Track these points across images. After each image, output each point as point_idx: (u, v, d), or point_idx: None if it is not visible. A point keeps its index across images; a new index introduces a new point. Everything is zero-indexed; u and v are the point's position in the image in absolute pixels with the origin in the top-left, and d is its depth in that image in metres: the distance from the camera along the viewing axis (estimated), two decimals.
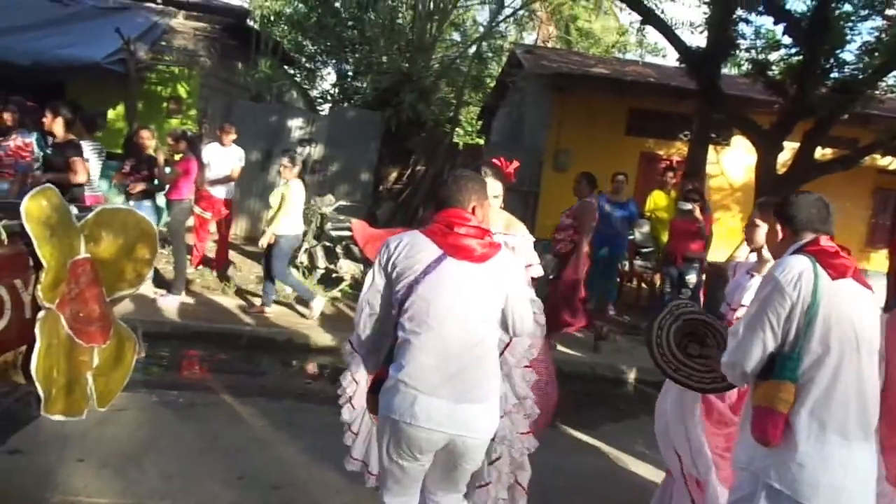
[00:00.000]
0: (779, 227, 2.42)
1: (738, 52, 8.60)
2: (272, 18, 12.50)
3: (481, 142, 19.12)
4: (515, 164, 3.17)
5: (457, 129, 16.62)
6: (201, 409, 4.53)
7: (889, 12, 7.96)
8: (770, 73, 8.66)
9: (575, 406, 5.60)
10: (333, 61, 12.72)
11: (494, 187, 2.93)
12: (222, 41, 9.84)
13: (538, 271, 3.09)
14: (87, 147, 5.73)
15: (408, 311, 2.26)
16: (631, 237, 8.72)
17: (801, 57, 7.68)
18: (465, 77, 11.37)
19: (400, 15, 11.65)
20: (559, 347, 6.78)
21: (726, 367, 2.30)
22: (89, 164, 5.70)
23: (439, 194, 2.45)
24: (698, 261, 7.14)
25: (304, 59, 13.19)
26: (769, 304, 2.19)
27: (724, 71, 11.13)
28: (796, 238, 2.34)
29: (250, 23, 11.82)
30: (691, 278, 7.03)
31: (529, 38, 19.78)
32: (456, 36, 13.62)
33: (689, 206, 6.92)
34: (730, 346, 2.28)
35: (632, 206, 8.13)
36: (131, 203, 6.43)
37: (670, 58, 9.61)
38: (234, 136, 7.87)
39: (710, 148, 11.20)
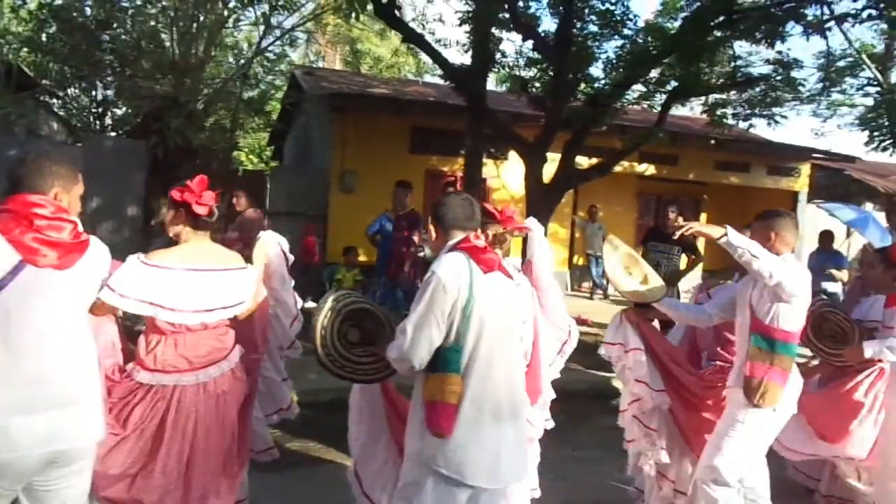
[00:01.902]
0: (432, 228, 2.55)
1: (500, 68, 8.96)
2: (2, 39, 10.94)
3: (274, 166, 18.55)
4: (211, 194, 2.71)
5: (236, 154, 15.89)
6: None
7: (626, 32, 8.75)
8: (534, 88, 9.17)
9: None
10: (85, 86, 11.42)
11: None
12: None
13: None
14: None
15: None
16: (422, 254, 8.72)
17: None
18: (237, 100, 10.76)
19: (164, 35, 10.77)
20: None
21: (395, 362, 2.38)
22: None
23: (14, 175, 2.07)
24: None
25: (52, 85, 11.72)
26: (433, 301, 2.28)
27: (499, 88, 11.74)
28: (447, 237, 2.47)
29: None
30: None
31: (322, 63, 19.63)
32: (231, 59, 12.93)
33: None
34: (398, 342, 2.33)
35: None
36: None
37: None
38: None
39: (491, 162, 11.75)
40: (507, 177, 11.99)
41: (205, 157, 10.26)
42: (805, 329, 3.43)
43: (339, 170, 10.87)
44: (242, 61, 11.66)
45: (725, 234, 2.97)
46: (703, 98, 10.07)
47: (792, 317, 3.12)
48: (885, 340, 3.46)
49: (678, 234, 3.08)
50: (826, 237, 8.48)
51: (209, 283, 2.55)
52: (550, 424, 3.45)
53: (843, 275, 7.94)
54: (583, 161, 9.95)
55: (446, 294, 2.27)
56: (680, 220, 6.19)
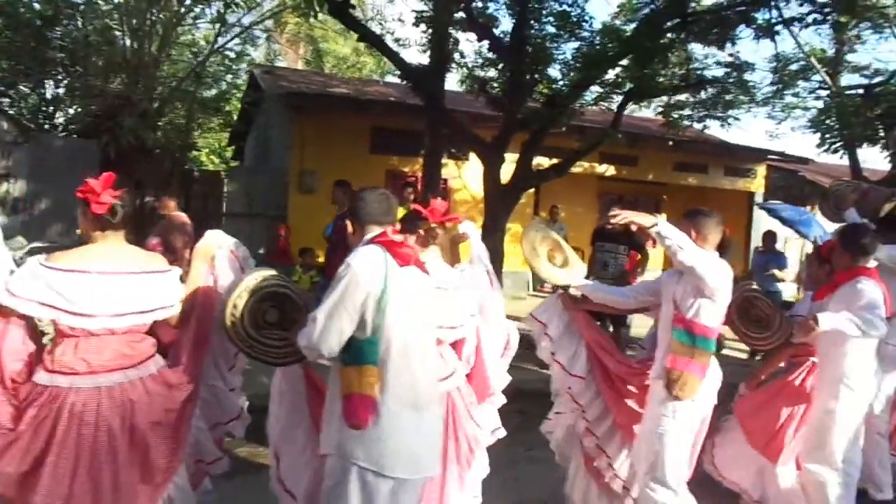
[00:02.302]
0: (348, 223, 2.58)
1: (459, 68, 8.94)
2: None
3: (235, 166, 18.28)
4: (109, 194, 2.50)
5: (196, 154, 15.61)
6: None
7: (584, 34, 8.80)
8: (493, 89, 9.16)
9: None
10: (35, 85, 11.09)
11: None
12: None
13: None
14: None
15: None
16: None
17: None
18: (192, 99, 10.55)
19: (116, 32, 10.51)
20: None
21: (305, 349, 2.39)
22: None
23: None
24: None
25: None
26: (346, 293, 2.29)
27: (460, 88, 11.73)
28: (364, 231, 2.49)
29: None
30: None
31: (284, 63, 19.40)
32: (190, 56, 12.68)
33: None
34: (308, 330, 2.34)
35: None
36: None
37: None
38: None
39: (452, 162, 11.73)
40: (468, 177, 11.98)
41: (159, 157, 10.04)
42: (730, 312, 3.52)
43: (297, 170, 10.75)
44: (199, 59, 11.42)
45: (656, 224, 3.05)
46: (663, 99, 10.19)
47: (712, 313, 3.19)
48: (846, 313, 3.34)
49: (613, 222, 3.15)
50: (769, 237, 8.54)
51: (117, 287, 2.43)
52: (502, 433, 3.44)
53: (785, 275, 8.05)
54: (544, 162, 9.99)
55: (359, 286, 2.29)
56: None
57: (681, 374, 3.13)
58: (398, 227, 2.64)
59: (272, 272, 2.83)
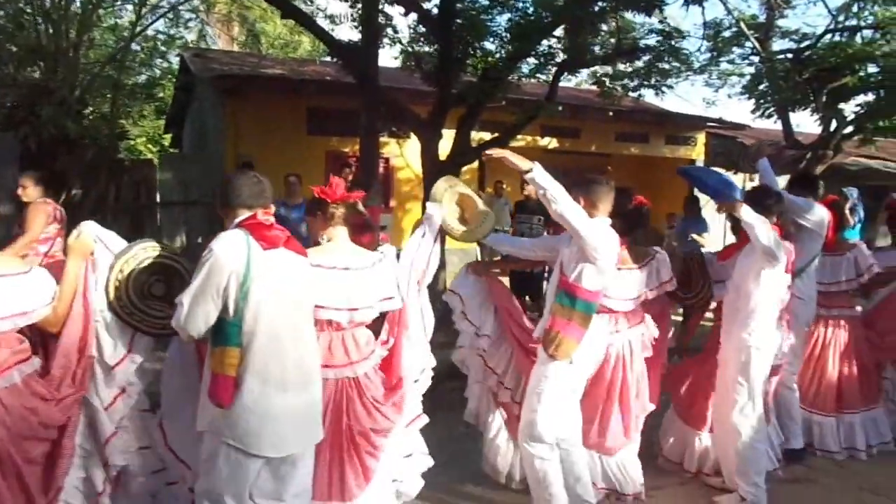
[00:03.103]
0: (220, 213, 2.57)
1: (392, 43, 8.75)
2: None
3: (173, 153, 17.71)
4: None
5: (133, 143, 15.08)
6: None
7: (516, 5, 8.68)
8: (428, 64, 8.98)
9: None
10: None
11: None
12: None
13: None
14: None
15: None
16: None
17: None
18: (113, 86, 10.11)
19: (30, 17, 9.95)
20: None
21: (177, 329, 2.40)
22: None
23: None
24: None
25: None
26: (209, 277, 2.31)
27: (399, 65, 11.54)
28: (235, 215, 2.50)
29: None
30: None
31: (219, 45, 18.77)
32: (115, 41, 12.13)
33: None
34: (177, 312, 2.36)
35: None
36: None
37: None
38: None
39: (393, 141, 11.58)
40: (409, 155, 11.83)
41: (85, 148, 9.61)
42: None
43: (233, 155, 10.45)
44: (122, 45, 10.94)
45: (531, 170, 3.04)
46: (607, 69, 10.13)
47: (595, 277, 3.21)
48: (761, 218, 3.43)
49: (487, 154, 3.26)
50: (691, 203, 8.51)
51: None
52: (423, 421, 3.38)
53: (706, 239, 8.08)
54: (486, 136, 9.92)
55: (221, 270, 2.31)
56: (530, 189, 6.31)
57: (557, 335, 3.17)
58: (272, 209, 2.60)
59: (162, 245, 2.81)
